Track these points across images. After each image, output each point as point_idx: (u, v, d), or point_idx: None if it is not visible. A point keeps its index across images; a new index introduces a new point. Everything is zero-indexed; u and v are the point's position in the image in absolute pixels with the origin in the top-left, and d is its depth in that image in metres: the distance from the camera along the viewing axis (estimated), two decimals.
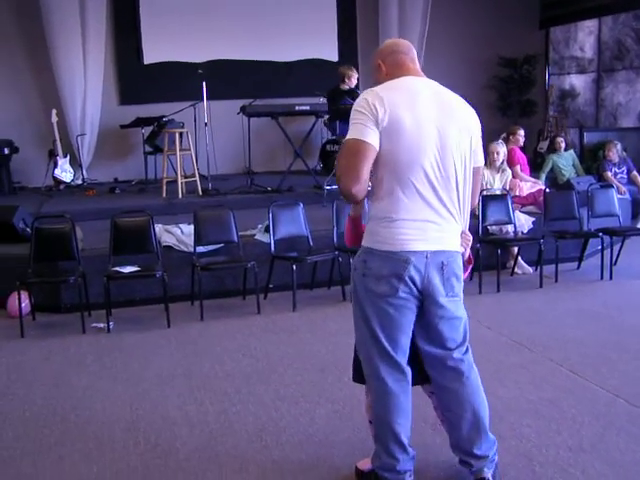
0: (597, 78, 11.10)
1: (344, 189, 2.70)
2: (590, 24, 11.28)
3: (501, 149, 7.14)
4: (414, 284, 2.79)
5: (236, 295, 6.27)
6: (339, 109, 8.02)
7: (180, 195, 8.15)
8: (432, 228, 2.79)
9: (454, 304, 2.91)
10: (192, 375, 4.49)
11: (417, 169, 2.73)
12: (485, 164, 7.00)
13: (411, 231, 2.76)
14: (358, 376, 3.12)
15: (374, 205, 2.80)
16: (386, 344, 2.86)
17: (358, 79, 8.63)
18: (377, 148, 2.69)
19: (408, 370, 2.92)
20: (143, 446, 3.55)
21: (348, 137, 2.71)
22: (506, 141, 7.79)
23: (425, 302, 2.85)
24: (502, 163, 7.15)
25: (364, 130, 2.69)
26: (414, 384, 3.01)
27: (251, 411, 3.92)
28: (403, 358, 2.91)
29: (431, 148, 2.75)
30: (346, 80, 8.62)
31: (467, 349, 2.99)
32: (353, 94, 8.76)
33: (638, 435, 3.55)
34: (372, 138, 2.68)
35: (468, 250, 3.01)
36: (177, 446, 3.54)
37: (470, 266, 3.12)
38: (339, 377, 4.39)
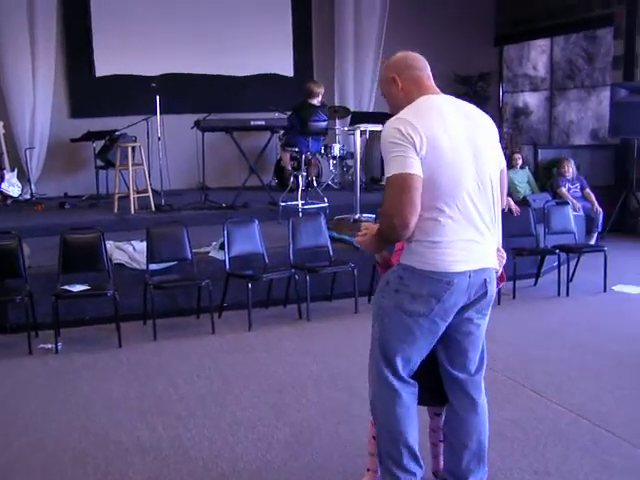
0: (550, 96, 11.25)
1: (401, 224, 2.57)
2: (542, 43, 11.45)
3: None
4: (454, 306, 2.74)
5: (190, 314, 6.10)
6: (313, 125, 7.99)
7: (132, 211, 7.95)
8: (475, 247, 2.74)
9: (484, 323, 2.91)
10: (145, 398, 4.33)
11: (459, 189, 2.67)
12: None
13: (455, 251, 2.70)
14: None
15: (416, 227, 2.65)
16: (399, 362, 2.82)
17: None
18: (422, 176, 2.59)
19: (416, 383, 2.90)
20: (93, 476, 3.38)
21: (393, 172, 2.58)
22: None
23: (458, 320, 2.81)
24: None
25: (406, 162, 2.57)
26: (422, 404, 3.01)
27: (206, 436, 3.78)
28: (410, 374, 2.88)
29: (469, 165, 2.70)
30: (316, 95, 8.59)
31: (482, 373, 2.99)
32: (323, 109, 8.74)
33: (601, 456, 3.51)
34: (416, 168, 2.58)
35: (501, 268, 2.96)
36: (129, 474, 3.38)
37: (502, 283, 3.09)
38: (297, 398, 4.28)
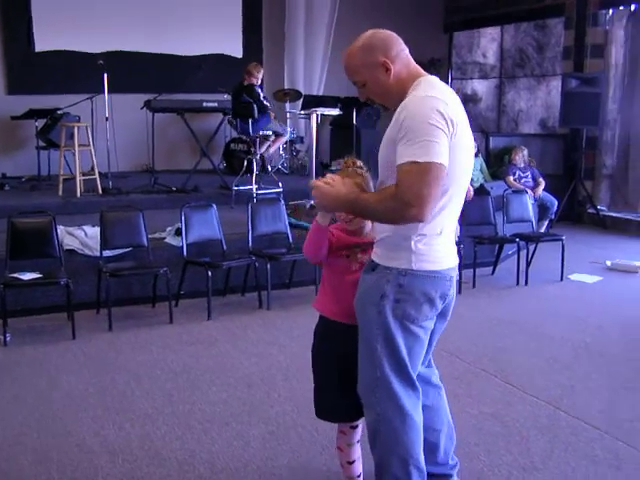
0: (499, 84, 11.29)
1: (417, 217, 2.30)
2: (493, 31, 11.48)
3: None
4: (451, 301, 2.62)
5: (144, 302, 5.84)
6: (263, 105, 7.96)
7: (78, 194, 7.59)
8: (453, 240, 2.61)
9: None
10: (106, 394, 4.08)
11: (461, 181, 2.52)
12: None
13: (450, 244, 2.56)
14: (321, 411, 2.93)
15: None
16: (411, 372, 2.58)
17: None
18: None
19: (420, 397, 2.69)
20: None
21: (425, 158, 2.27)
22: None
23: (437, 319, 2.64)
24: None
25: (441, 150, 2.30)
26: (353, 419, 2.86)
27: (178, 434, 3.57)
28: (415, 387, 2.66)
29: (470, 157, 2.58)
30: (250, 76, 8.36)
31: None
32: (248, 91, 8.48)
33: (584, 450, 3.47)
34: (447, 158, 2.33)
35: None
36: (99, 479, 3.15)
37: None
38: (268, 393, 4.11)
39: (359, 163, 2.73)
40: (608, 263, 7.33)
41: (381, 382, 2.56)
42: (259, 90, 8.55)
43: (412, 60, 2.60)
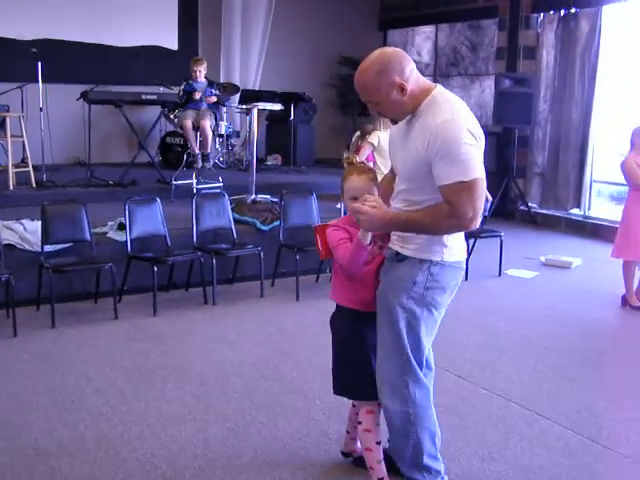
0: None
1: (473, 227, 2.64)
2: (427, 30, 11.64)
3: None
4: None
5: (86, 299, 5.70)
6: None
7: (11, 186, 7.34)
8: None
9: None
10: (56, 393, 3.97)
11: None
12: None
13: (463, 239, 2.87)
14: (360, 392, 3.02)
15: None
16: (424, 354, 2.88)
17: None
18: None
19: None
20: None
21: (471, 176, 2.56)
22: (360, 139, 7.70)
23: None
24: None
25: (480, 166, 2.61)
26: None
27: (136, 433, 3.50)
28: None
29: None
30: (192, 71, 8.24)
31: None
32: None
33: (538, 439, 3.58)
34: (482, 170, 2.64)
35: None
36: None
37: None
38: (223, 390, 4.07)
39: (358, 158, 2.87)
40: (542, 259, 7.56)
41: (408, 365, 2.80)
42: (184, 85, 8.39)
43: (419, 74, 2.74)
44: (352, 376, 2.99)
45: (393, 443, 2.95)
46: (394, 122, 2.83)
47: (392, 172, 3.03)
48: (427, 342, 2.86)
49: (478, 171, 2.58)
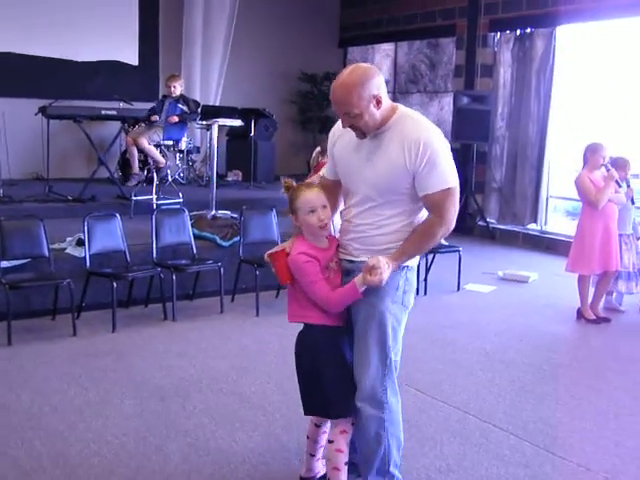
0: (393, 99, 11.51)
1: (450, 231, 2.87)
2: (387, 47, 11.79)
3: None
4: None
5: (44, 315, 5.63)
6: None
7: None
8: None
9: None
10: (11, 411, 3.91)
11: None
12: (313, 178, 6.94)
13: None
14: (339, 409, 2.95)
15: (416, 222, 2.89)
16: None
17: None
18: None
19: None
20: None
21: (453, 184, 2.79)
22: (321, 155, 7.75)
23: None
24: None
25: (456, 173, 2.84)
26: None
27: (94, 451, 3.47)
28: None
29: None
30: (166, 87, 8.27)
31: None
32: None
33: (495, 450, 3.63)
34: None
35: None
36: None
37: None
38: (183, 405, 4.06)
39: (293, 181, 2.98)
40: (500, 273, 7.67)
41: (389, 370, 2.92)
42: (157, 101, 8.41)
43: None
44: (332, 393, 2.91)
45: (363, 451, 2.97)
46: (363, 136, 2.83)
47: (328, 181, 3.09)
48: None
49: (456, 179, 2.82)
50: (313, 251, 2.86)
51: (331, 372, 2.91)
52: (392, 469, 2.96)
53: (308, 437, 3.20)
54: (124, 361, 4.78)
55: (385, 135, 2.80)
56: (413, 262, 2.94)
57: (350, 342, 2.96)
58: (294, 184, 2.96)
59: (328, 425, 3.11)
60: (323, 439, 3.14)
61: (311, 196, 2.86)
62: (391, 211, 2.84)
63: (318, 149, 7.70)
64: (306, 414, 3.08)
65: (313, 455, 3.18)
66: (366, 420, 2.89)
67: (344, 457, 2.93)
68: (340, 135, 2.97)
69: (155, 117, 8.05)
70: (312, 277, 2.83)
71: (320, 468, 3.19)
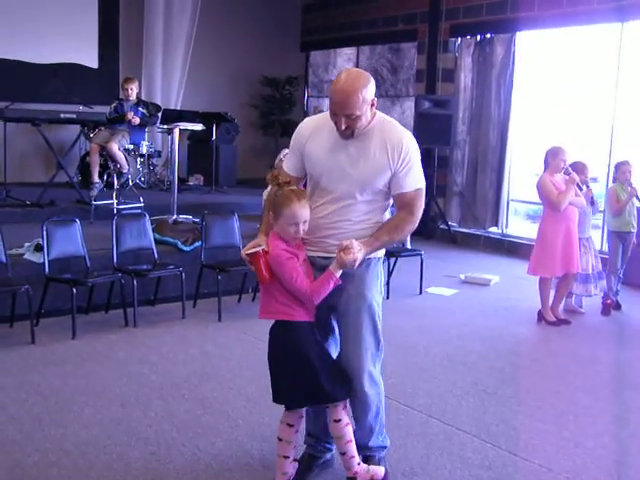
0: None
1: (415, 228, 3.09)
2: (349, 51, 11.84)
3: None
4: None
5: (1, 322, 5.50)
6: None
7: None
8: None
9: None
10: None
11: None
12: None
13: None
14: (339, 392, 3.10)
15: (384, 219, 3.11)
16: None
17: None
18: None
19: None
20: None
21: (423, 184, 3.05)
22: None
23: None
24: None
25: None
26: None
27: (52, 461, 3.39)
28: None
29: None
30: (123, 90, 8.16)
31: None
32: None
33: (458, 453, 3.64)
34: None
35: None
36: None
37: None
38: (144, 412, 4.00)
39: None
40: (462, 276, 7.73)
41: (380, 352, 3.20)
42: (116, 103, 8.29)
43: None
44: (329, 380, 3.02)
45: (367, 424, 3.23)
46: (350, 136, 2.97)
47: (289, 177, 3.13)
48: None
49: (424, 179, 3.09)
50: (291, 248, 2.96)
51: (321, 362, 3.03)
52: (384, 429, 3.37)
53: (281, 439, 3.17)
54: (84, 368, 4.70)
55: (367, 136, 2.98)
56: (380, 254, 3.14)
57: (321, 333, 3.13)
58: (281, 178, 2.99)
59: (301, 423, 3.24)
60: (295, 439, 3.19)
61: (300, 211, 2.92)
62: (367, 207, 3.04)
63: (286, 151, 7.67)
64: (298, 407, 3.17)
65: (287, 457, 3.18)
66: (368, 398, 3.15)
67: (351, 429, 3.16)
68: (312, 134, 3.08)
69: (135, 118, 7.94)
70: (293, 273, 2.92)
71: (292, 470, 3.21)
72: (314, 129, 3.09)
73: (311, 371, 2.99)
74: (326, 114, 3.07)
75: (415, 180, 3.01)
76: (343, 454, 3.15)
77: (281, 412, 3.19)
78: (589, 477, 3.44)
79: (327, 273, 2.93)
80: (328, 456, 3.42)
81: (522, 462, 3.56)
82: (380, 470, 3.23)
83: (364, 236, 3.00)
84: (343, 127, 2.91)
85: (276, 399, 3.13)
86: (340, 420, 3.10)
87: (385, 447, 3.40)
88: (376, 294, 3.13)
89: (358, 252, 2.87)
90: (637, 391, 4.65)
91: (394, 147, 2.95)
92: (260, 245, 2.97)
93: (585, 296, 6.54)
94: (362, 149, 2.98)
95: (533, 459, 3.59)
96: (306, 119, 3.24)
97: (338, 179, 3.01)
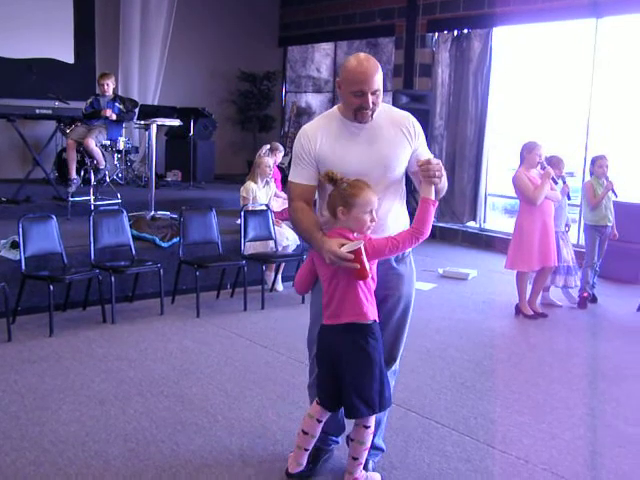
0: (332, 98, 11.66)
1: None
2: (327, 46, 11.84)
3: (271, 161, 7.06)
4: None
5: None
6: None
7: None
8: None
9: None
10: None
11: None
12: (254, 177, 6.89)
13: None
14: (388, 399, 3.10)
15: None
16: None
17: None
18: None
19: None
20: None
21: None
22: (271, 152, 7.70)
23: None
24: (270, 177, 7.06)
25: None
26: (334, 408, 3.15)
27: (30, 459, 3.37)
28: None
29: None
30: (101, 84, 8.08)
31: None
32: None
33: (436, 446, 3.67)
34: None
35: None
36: None
37: None
38: (123, 409, 3.98)
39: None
40: (440, 271, 7.77)
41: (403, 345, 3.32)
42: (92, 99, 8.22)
43: None
44: (379, 390, 3.00)
45: (381, 419, 3.35)
46: (370, 118, 2.97)
47: (309, 187, 3.09)
48: None
49: None
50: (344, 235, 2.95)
51: (382, 366, 3.02)
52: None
53: (307, 433, 3.15)
54: (62, 366, 4.66)
55: (375, 123, 3.00)
56: (410, 250, 3.11)
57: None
58: (337, 175, 2.94)
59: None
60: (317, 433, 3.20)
61: (373, 197, 2.90)
62: (398, 193, 3.09)
63: (267, 147, 7.67)
64: (354, 418, 3.09)
65: (307, 450, 3.21)
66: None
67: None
68: (321, 138, 3.03)
69: (111, 113, 7.87)
70: (387, 240, 2.91)
71: (305, 461, 3.24)
72: (321, 131, 3.03)
73: (381, 379, 3.00)
74: (323, 116, 3.12)
75: (428, 151, 3.12)
76: (354, 459, 3.13)
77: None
78: (566, 468, 3.47)
79: (423, 201, 2.92)
80: (334, 448, 3.47)
81: (500, 454, 3.59)
82: (377, 477, 3.27)
83: (402, 229, 3.02)
84: (371, 104, 2.91)
85: (334, 406, 3.09)
86: (369, 427, 3.09)
87: (382, 450, 3.46)
88: (413, 289, 3.24)
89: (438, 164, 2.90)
90: (612, 383, 4.71)
91: (408, 126, 3.05)
92: (360, 241, 2.85)
93: (567, 288, 6.59)
94: (379, 136, 3.01)
95: (511, 451, 3.62)
96: (304, 127, 3.13)
97: (368, 170, 2.97)
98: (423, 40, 10.01)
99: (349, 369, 2.96)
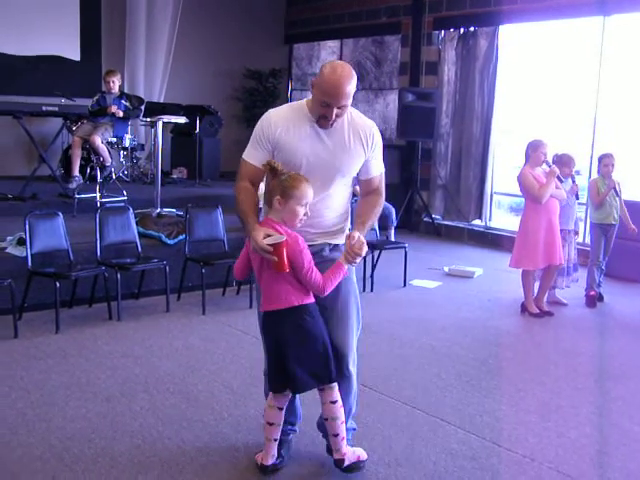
0: None
1: None
2: (333, 44, 11.82)
3: None
4: None
5: None
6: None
7: None
8: None
9: None
10: None
11: None
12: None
13: None
14: (335, 371, 3.18)
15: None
16: None
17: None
18: None
19: None
20: None
21: (384, 168, 3.29)
22: None
23: None
24: None
25: None
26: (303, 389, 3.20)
27: (36, 455, 3.38)
28: None
29: None
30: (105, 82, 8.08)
31: None
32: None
33: (443, 444, 3.67)
34: None
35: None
36: None
37: None
38: (129, 406, 3.99)
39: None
40: (446, 269, 7.76)
41: (358, 334, 3.34)
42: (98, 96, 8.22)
43: None
44: (330, 360, 3.11)
45: (350, 401, 3.34)
46: (330, 126, 3.03)
47: (259, 169, 3.14)
48: None
49: None
50: (279, 228, 3.03)
51: (322, 344, 3.09)
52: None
53: (272, 423, 3.22)
54: (68, 362, 4.68)
55: (338, 125, 3.06)
56: (344, 239, 3.18)
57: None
58: (277, 164, 3.01)
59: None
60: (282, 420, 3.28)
61: (309, 190, 2.99)
62: (342, 194, 3.19)
63: None
64: (306, 390, 3.18)
65: (276, 439, 3.27)
66: (352, 378, 3.28)
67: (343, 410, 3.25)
68: (284, 126, 3.08)
69: (117, 110, 7.87)
70: (308, 266, 2.99)
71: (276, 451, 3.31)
72: (284, 121, 3.08)
73: (325, 352, 3.09)
74: (291, 105, 3.18)
75: (381, 164, 3.24)
76: (335, 435, 3.21)
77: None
78: (571, 466, 3.47)
79: (338, 265, 3.03)
80: (292, 438, 3.51)
81: (506, 453, 3.59)
82: (362, 451, 3.35)
83: (338, 222, 3.19)
84: (334, 117, 2.97)
85: (280, 386, 3.17)
86: (337, 401, 3.18)
87: (355, 429, 3.53)
88: (354, 279, 3.30)
89: (362, 245, 3.00)
90: (618, 381, 4.70)
91: (367, 135, 3.13)
92: (282, 236, 2.93)
93: (557, 289, 6.57)
94: (337, 139, 3.07)
95: (516, 449, 3.62)
96: (270, 111, 3.18)
97: (318, 169, 3.07)
98: (429, 38, 10.00)
99: (292, 346, 3.07)
